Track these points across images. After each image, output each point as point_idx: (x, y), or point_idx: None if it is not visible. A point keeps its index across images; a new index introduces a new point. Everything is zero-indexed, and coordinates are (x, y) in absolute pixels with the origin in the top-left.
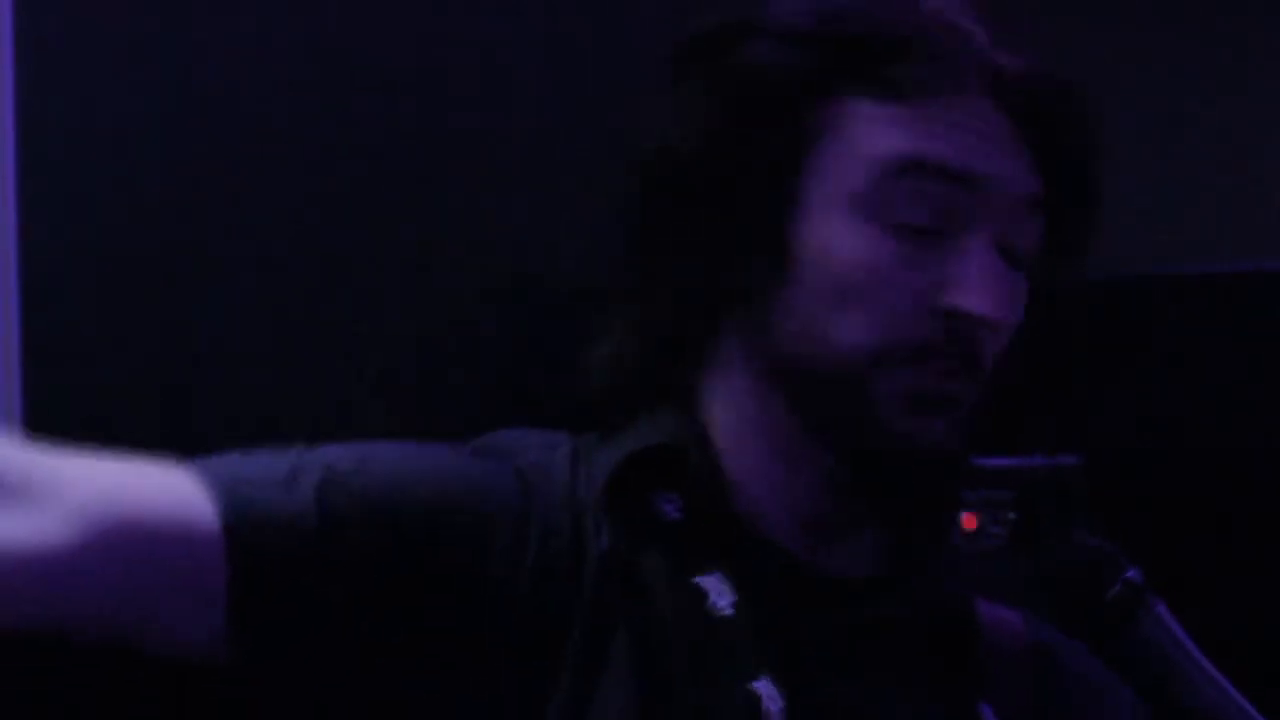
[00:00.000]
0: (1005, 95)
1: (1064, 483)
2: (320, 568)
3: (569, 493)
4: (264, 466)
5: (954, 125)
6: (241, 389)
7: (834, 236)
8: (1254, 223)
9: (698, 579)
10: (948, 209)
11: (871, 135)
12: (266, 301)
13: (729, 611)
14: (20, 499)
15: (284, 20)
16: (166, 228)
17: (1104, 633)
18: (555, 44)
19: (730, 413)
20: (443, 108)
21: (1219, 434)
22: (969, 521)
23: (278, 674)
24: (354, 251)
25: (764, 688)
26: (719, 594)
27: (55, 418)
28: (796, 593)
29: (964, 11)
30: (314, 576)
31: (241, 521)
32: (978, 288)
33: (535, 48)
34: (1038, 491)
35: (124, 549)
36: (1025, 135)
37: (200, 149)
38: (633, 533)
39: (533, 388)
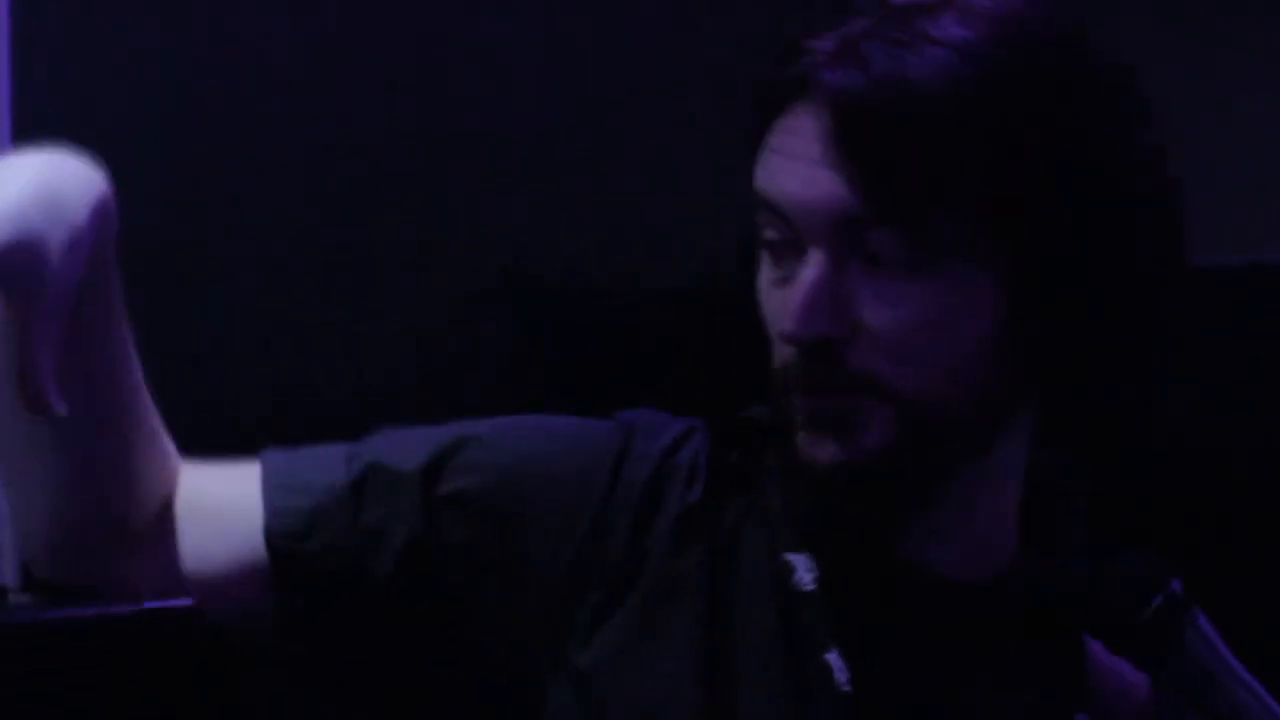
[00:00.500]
0: (833, 112)
1: (1066, 481)
2: (344, 537)
3: (670, 453)
4: (327, 449)
5: (777, 151)
6: (241, 389)
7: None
8: (1255, 216)
9: (787, 555)
10: (783, 235)
11: (755, 171)
12: (266, 301)
13: (811, 587)
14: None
15: (283, 19)
16: (162, 228)
17: (1147, 645)
18: (556, 43)
19: None
20: (444, 107)
21: (1219, 432)
22: None
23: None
24: (354, 250)
25: (834, 660)
26: (805, 570)
27: None
28: (885, 581)
29: (846, 23)
30: (336, 553)
31: (279, 488)
32: (790, 310)
33: (535, 47)
34: (1040, 491)
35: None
36: (849, 150)
37: (198, 149)
38: (730, 501)
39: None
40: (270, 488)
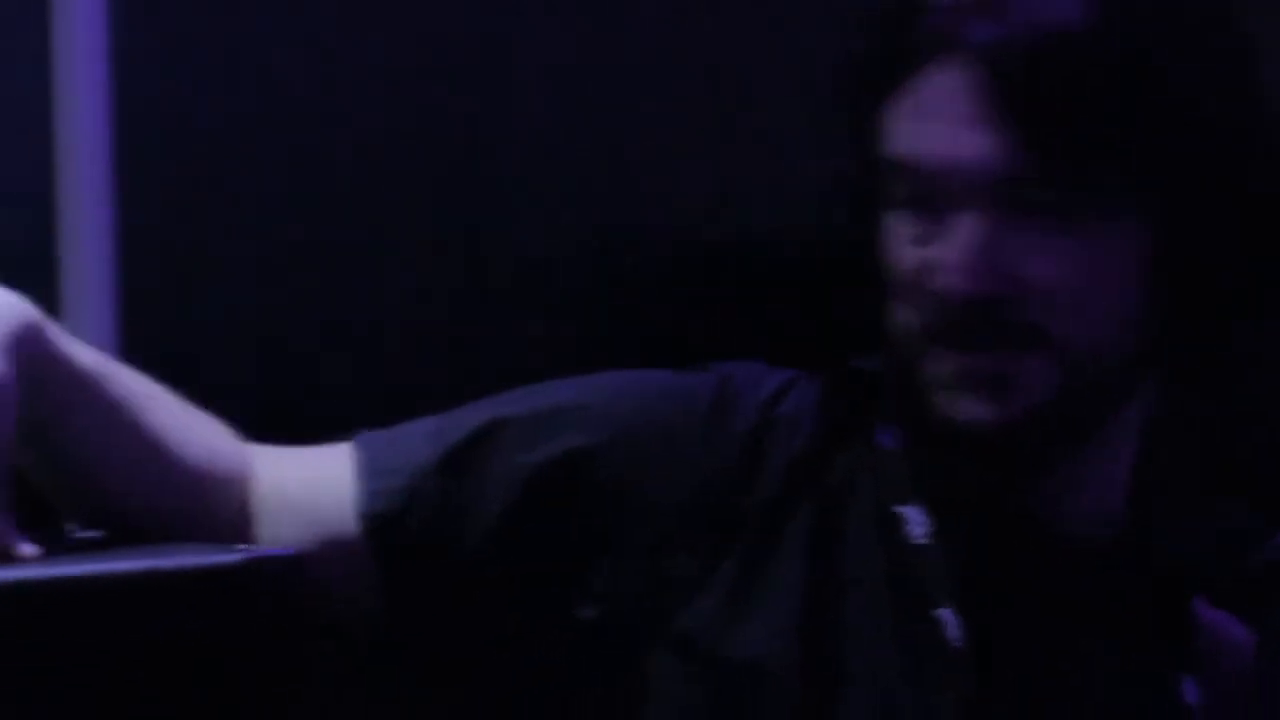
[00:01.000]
0: (980, 68)
1: (1180, 437)
2: (432, 522)
3: (773, 404)
4: (419, 424)
5: (917, 112)
6: (351, 383)
7: (883, 233)
8: None
9: (899, 507)
10: (930, 197)
11: (885, 133)
12: (369, 291)
13: (923, 540)
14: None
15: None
16: (261, 223)
17: (1255, 601)
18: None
19: None
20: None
21: None
22: None
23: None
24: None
25: (946, 615)
26: (917, 523)
27: None
28: (1001, 536)
29: None
30: (428, 528)
31: (371, 469)
32: (948, 268)
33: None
34: (1154, 447)
35: (307, 522)
36: (1006, 106)
37: (295, 141)
38: (841, 452)
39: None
40: (363, 469)
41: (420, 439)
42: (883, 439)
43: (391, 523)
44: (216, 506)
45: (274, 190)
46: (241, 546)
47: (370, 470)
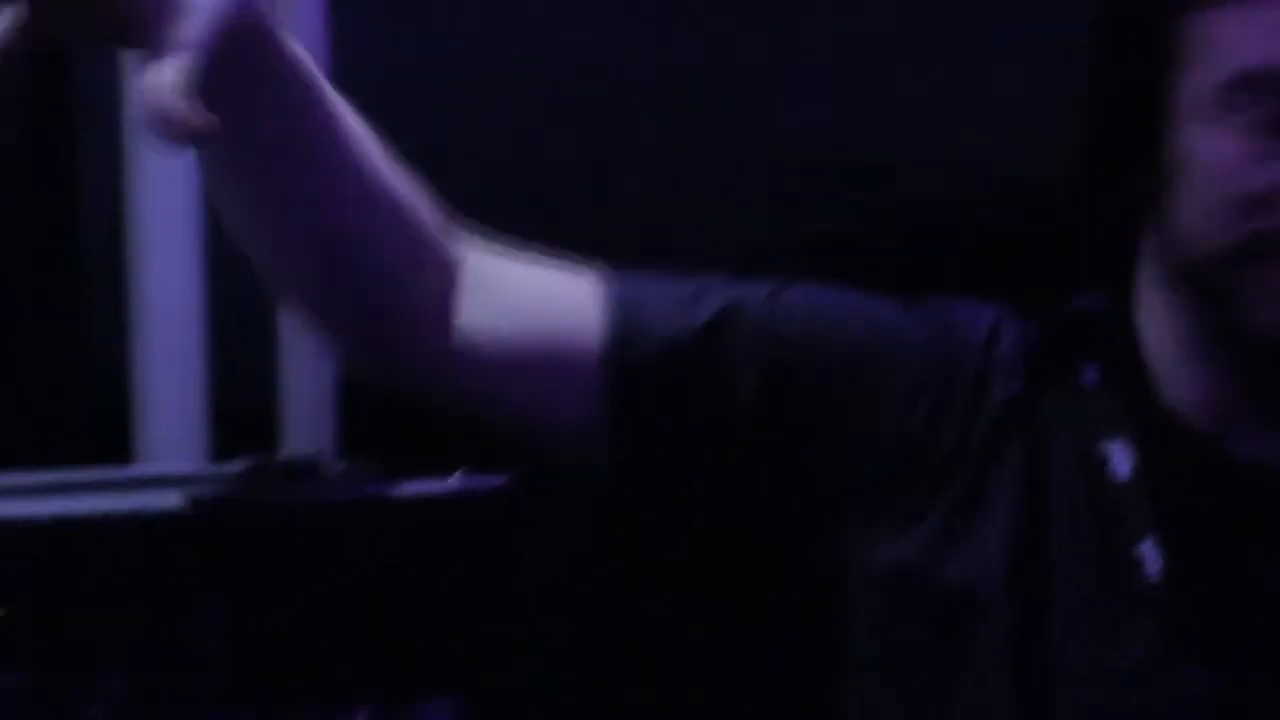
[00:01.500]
0: None
1: None
2: (700, 385)
3: (984, 346)
4: (666, 287)
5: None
6: None
7: (1196, 143)
8: None
9: (1101, 444)
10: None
11: (1220, 46)
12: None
13: (1126, 477)
14: (482, 293)
15: None
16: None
17: None
18: None
19: (1150, 307)
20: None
21: None
22: None
23: (643, 481)
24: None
25: (1147, 550)
26: (1120, 460)
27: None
28: (1200, 472)
29: None
30: (692, 393)
31: (620, 324)
32: None
33: None
34: None
35: (538, 348)
36: None
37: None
38: (1046, 391)
39: None
40: (614, 319)
41: (672, 303)
42: (1086, 378)
43: (637, 380)
44: (424, 273)
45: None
46: (459, 474)
47: (622, 321)
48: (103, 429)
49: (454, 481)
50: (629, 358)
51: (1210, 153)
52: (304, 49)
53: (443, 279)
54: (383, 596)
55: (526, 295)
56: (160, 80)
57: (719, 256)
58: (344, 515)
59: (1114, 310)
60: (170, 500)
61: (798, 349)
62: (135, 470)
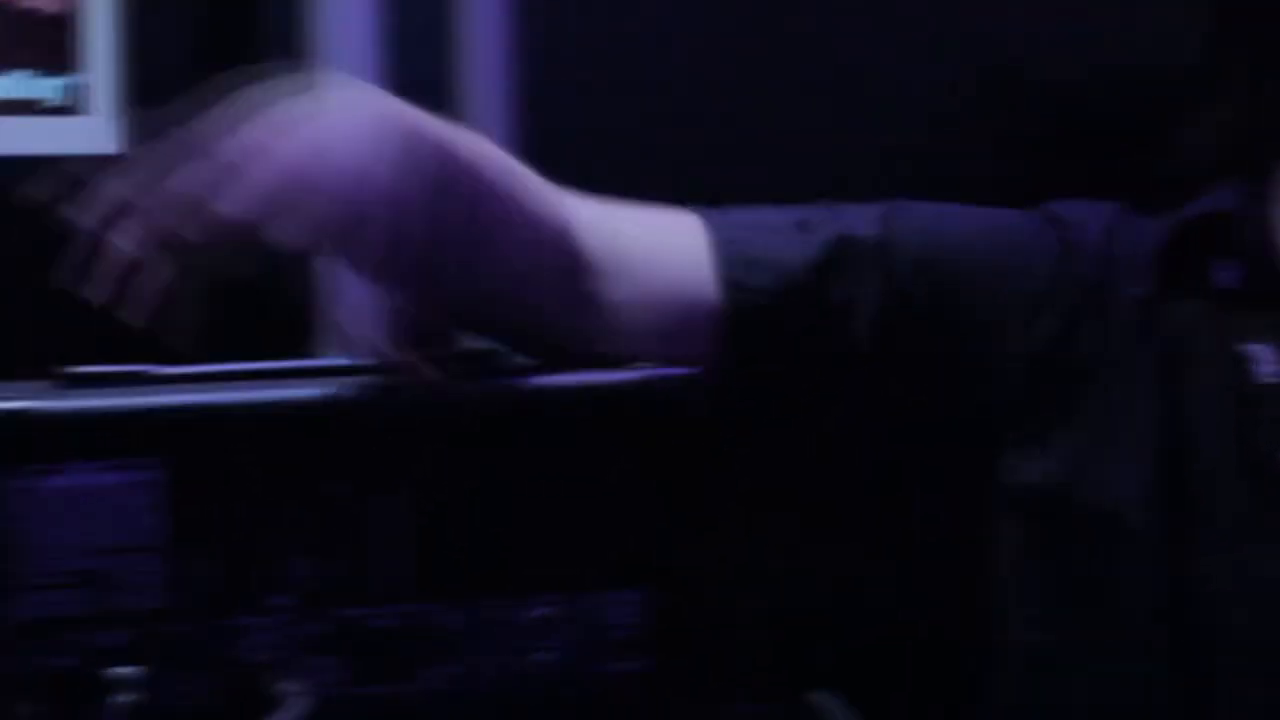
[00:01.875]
0: None
1: None
2: (813, 310)
3: (1107, 249)
4: (771, 220)
5: None
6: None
7: None
8: None
9: (1243, 346)
10: None
11: None
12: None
13: (1274, 379)
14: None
15: None
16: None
17: None
18: None
19: None
20: None
21: None
22: None
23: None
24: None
25: None
26: (1266, 362)
27: None
28: None
29: None
30: (805, 319)
31: (732, 262)
32: None
33: None
34: None
35: (654, 304)
36: None
37: None
38: (1178, 293)
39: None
40: (727, 260)
41: (780, 236)
42: (1222, 278)
43: (755, 317)
44: (551, 258)
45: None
46: (641, 366)
47: (732, 262)
48: (286, 323)
49: (641, 371)
50: (743, 298)
51: None
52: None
53: (570, 275)
54: (567, 487)
55: (635, 253)
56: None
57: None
58: (529, 404)
59: (1249, 208)
60: (354, 390)
61: (915, 272)
62: (320, 360)
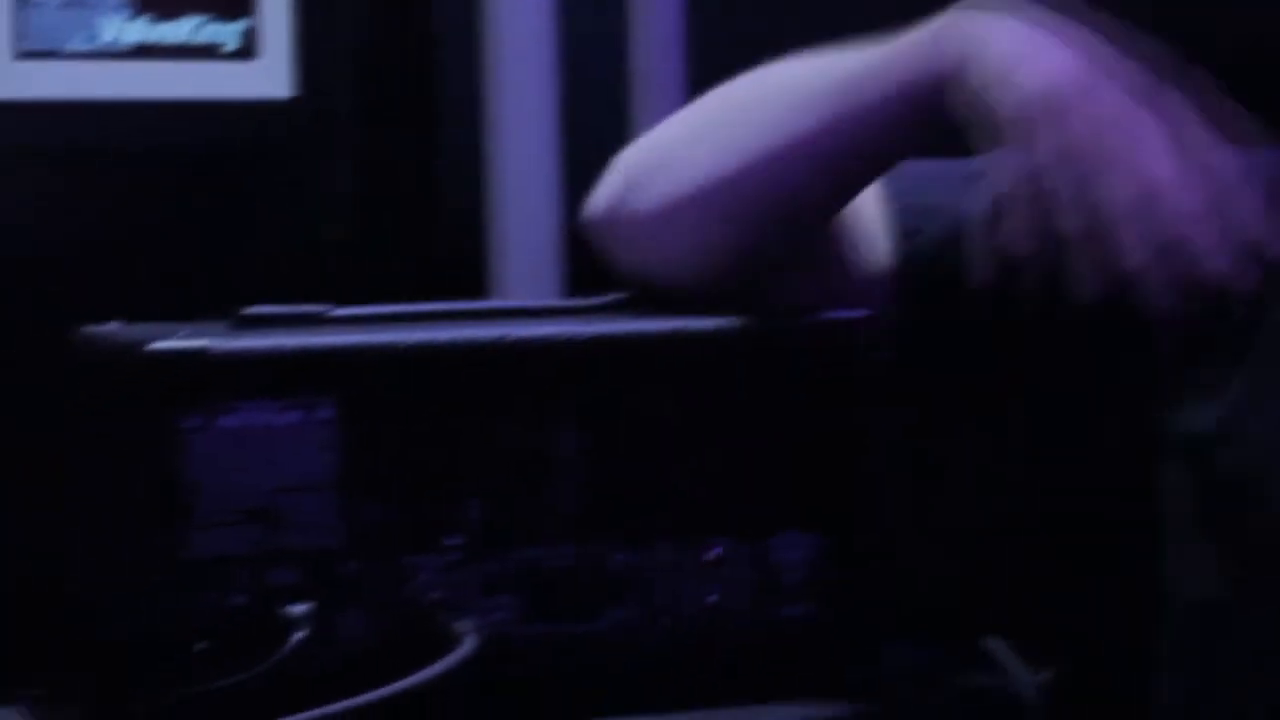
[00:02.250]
0: None
1: None
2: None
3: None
4: (944, 170)
5: None
6: None
7: None
8: None
9: None
10: None
11: None
12: None
13: None
14: None
15: None
16: None
17: None
18: None
19: None
20: None
21: None
22: None
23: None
24: None
25: None
26: None
27: None
28: None
29: None
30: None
31: (907, 211)
32: None
33: None
34: None
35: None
36: None
37: None
38: None
39: None
40: (900, 208)
41: (956, 187)
42: None
43: (926, 265)
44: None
45: None
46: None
47: (906, 208)
48: (461, 266)
49: (815, 316)
50: (915, 246)
51: None
52: None
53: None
54: (742, 430)
55: None
56: None
57: None
58: (702, 346)
59: None
60: (530, 331)
61: None
62: (496, 302)
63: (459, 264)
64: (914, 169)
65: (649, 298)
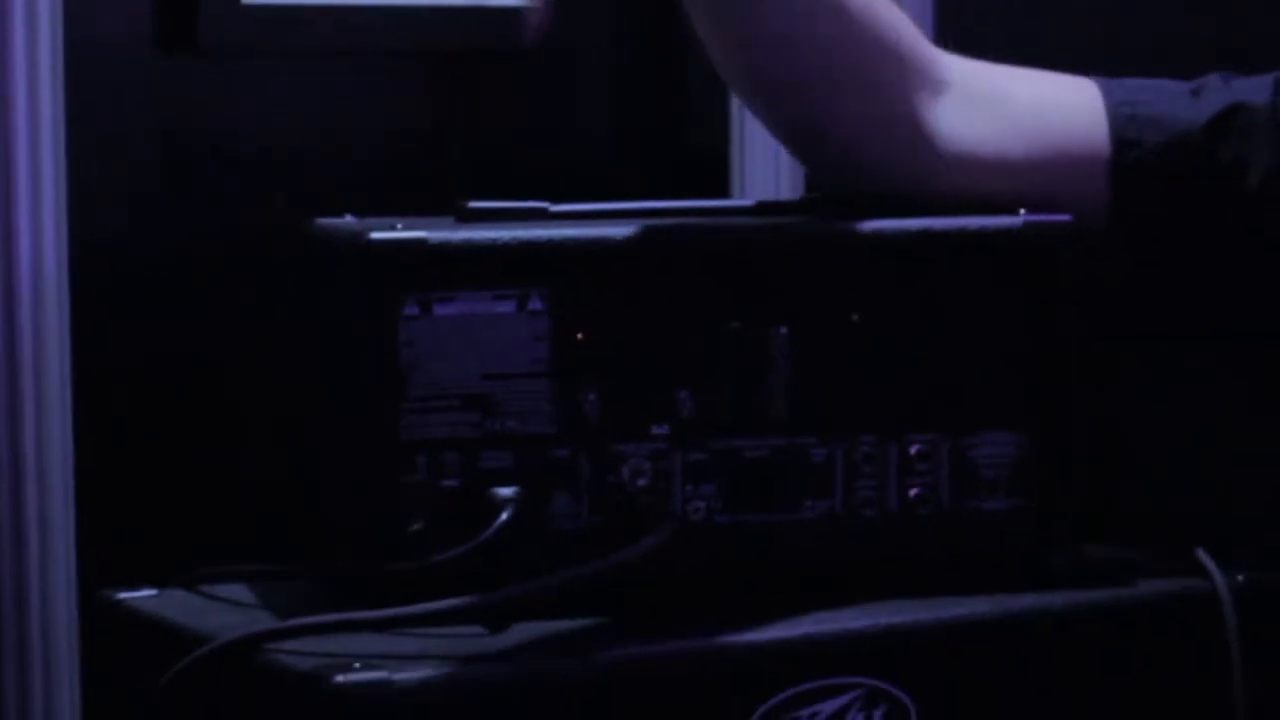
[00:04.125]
0: None
1: None
2: (1201, 169)
3: None
4: (1164, 86)
5: None
6: None
7: None
8: None
9: None
10: None
11: None
12: None
13: None
14: (978, 104)
15: None
16: None
17: None
18: None
19: None
20: None
21: None
22: None
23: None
24: None
25: None
26: None
27: None
28: None
29: None
30: (1193, 177)
31: (1126, 122)
32: None
33: None
34: None
35: (1041, 156)
36: None
37: None
38: None
39: None
40: (1119, 117)
41: (1173, 101)
42: None
43: (1145, 180)
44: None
45: None
46: (1022, 212)
47: (1125, 117)
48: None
49: (1022, 217)
50: (1136, 159)
51: None
52: None
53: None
54: (945, 327)
55: (1024, 104)
56: None
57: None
58: (909, 245)
59: None
60: (739, 226)
61: None
62: (710, 200)
63: (708, 163)
64: (1132, 83)
65: (860, 196)
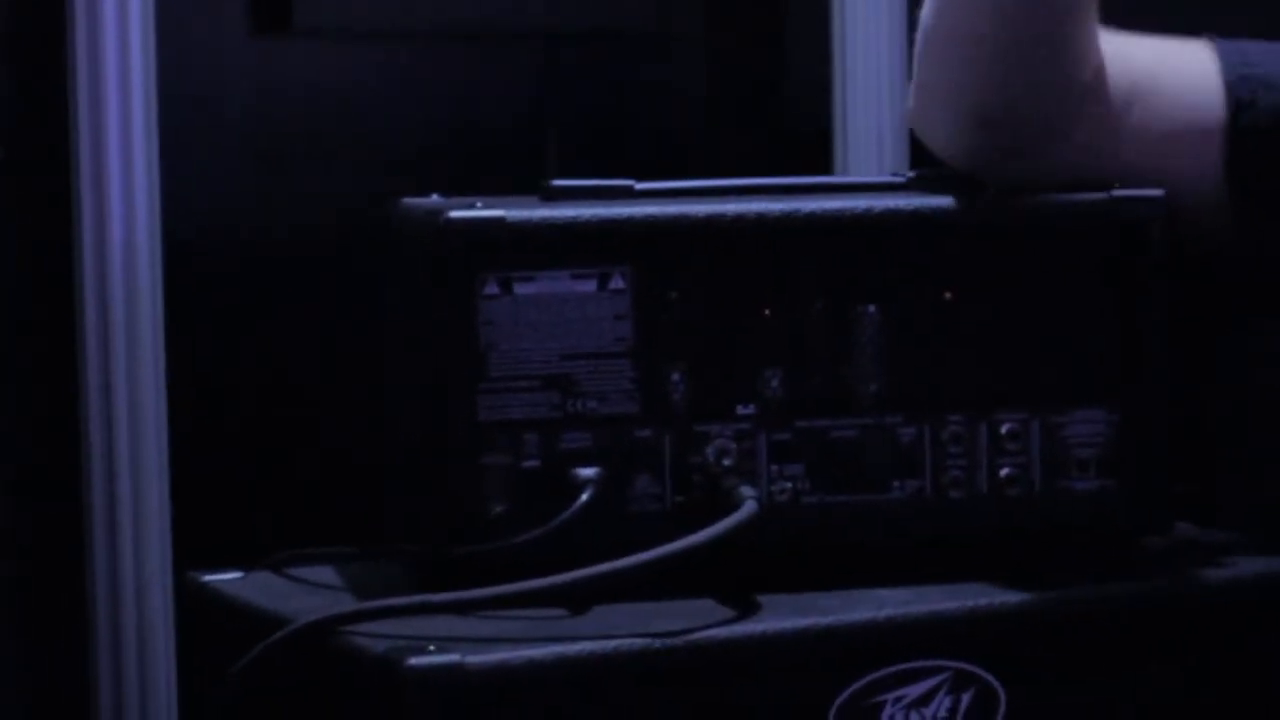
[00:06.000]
0: None
1: None
2: None
3: None
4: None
5: None
6: None
7: None
8: None
9: None
10: None
11: None
12: None
13: None
14: None
15: None
16: None
17: None
18: None
19: None
20: None
21: None
22: None
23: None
24: None
25: None
26: None
27: None
28: None
29: None
30: None
31: (1242, 83)
32: None
33: None
34: None
35: (1156, 122)
36: None
37: None
38: None
39: None
40: (1235, 80)
41: None
42: None
43: (1262, 141)
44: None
45: None
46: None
47: (1241, 80)
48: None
49: (1115, 192)
50: (1252, 120)
51: None
52: None
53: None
54: (1036, 305)
55: (1138, 69)
56: None
57: None
58: (1001, 221)
59: None
60: (826, 206)
61: None
62: (798, 179)
63: (807, 141)
64: (1246, 45)
65: (956, 175)
